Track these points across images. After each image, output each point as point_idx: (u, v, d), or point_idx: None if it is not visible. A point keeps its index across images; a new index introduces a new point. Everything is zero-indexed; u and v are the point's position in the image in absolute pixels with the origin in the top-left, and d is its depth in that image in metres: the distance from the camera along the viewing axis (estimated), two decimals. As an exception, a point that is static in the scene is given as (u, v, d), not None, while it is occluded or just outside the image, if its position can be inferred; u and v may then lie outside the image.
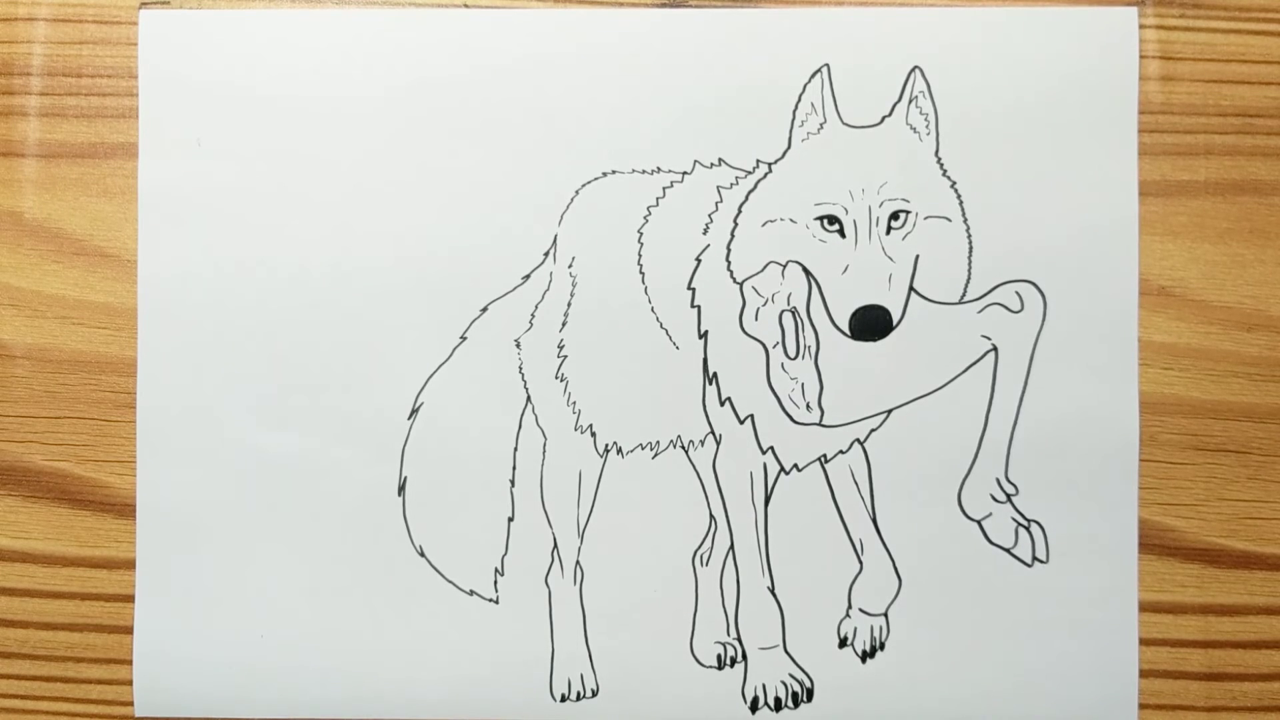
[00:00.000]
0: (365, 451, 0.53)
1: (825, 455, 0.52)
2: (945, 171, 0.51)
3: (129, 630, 0.53)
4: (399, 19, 0.52)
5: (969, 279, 0.51)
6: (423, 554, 0.53)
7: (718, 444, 0.52)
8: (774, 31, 0.52)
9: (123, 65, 0.53)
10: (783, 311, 0.51)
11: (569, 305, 0.52)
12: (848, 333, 0.50)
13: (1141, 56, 0.52)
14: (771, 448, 0.52)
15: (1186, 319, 0.52)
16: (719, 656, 0.53)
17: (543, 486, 0.53)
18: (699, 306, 0.52)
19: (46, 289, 0.53)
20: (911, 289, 0.51)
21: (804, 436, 0.52)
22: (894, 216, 0.50)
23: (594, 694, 0.53)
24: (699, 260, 0.51)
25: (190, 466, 0.53)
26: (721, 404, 0.52)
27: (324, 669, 0.53)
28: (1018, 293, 0.51)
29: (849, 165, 0.51)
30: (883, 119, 0.51)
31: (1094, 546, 0.52)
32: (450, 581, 0.53)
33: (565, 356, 0.52)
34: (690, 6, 0.52)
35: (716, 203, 0.51)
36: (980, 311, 0.51)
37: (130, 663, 0.53)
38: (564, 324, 0.52)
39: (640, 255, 0.52)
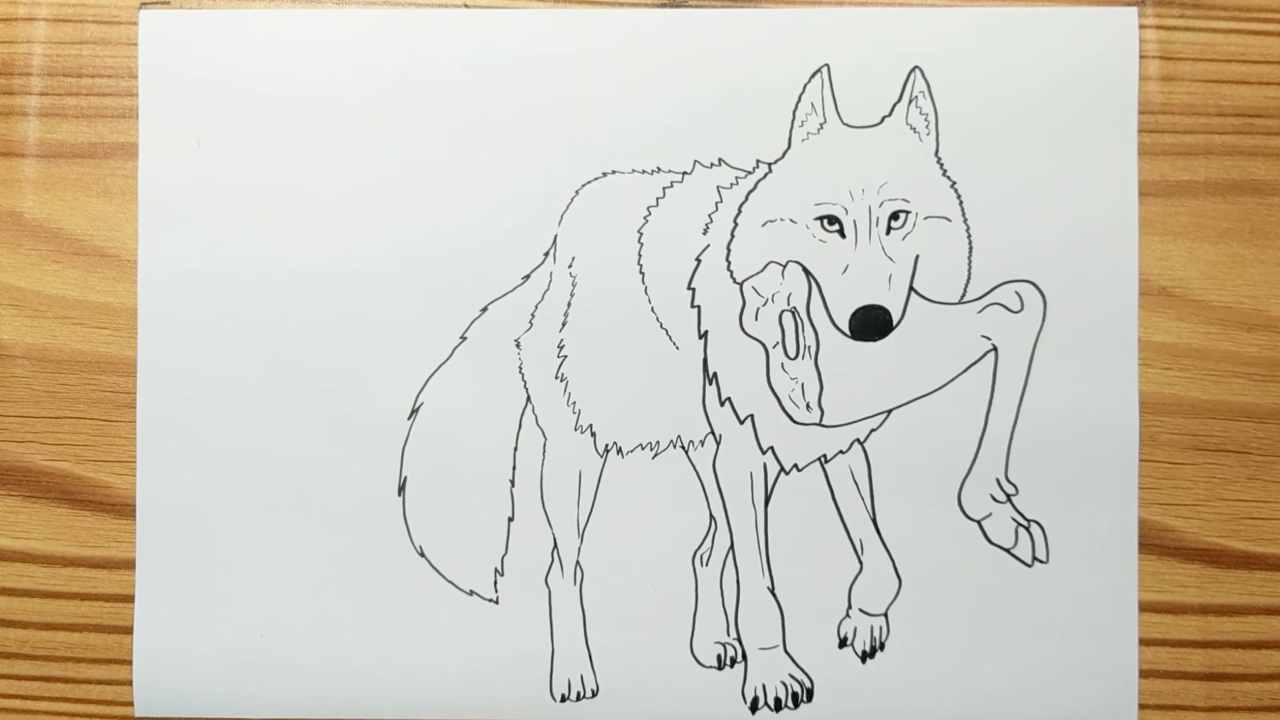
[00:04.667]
0: (365, 451, 0.53)
1: (825, 455, 0.52)
2: (945, 171, 0.51)
3: (129, 630, 0.53)
4: (399, 19, 0.52)
5: (969, 279, 0.51)
6: (423, 554, 0.53)
7: (718, 444, 0.52)
8: (774, 31, 0.52)
9: (123, 65, 0.53)
10: (783, 311, 0.51)
11: (569, 305, 0.52)
12: (848, 333, 0.50)
13: (1141, 56, 0.52)
14: (771, 448, 0.52)
15: (1186, 319, 0.52)
16: (719, 656, 0.53)
17: (543, 486, 0.53)
18: (699, 306, 0.52)
19: (46, 289, 0.53)
20: (911, 289, 0.51)
21: (804, 436, 0.52)
22: (894, 216, 0.50)
23: (594, 694, 0.53)
24: (699, 260, 0.51)
25: (190, 466, 0.53)
26: (721, 404, 0.52)
27: (324, 669, 0.53)
28: (1018, 293, 0.51)
29: (849, 165, 0.51)
30: (883, 119, 0.51)
31: (1094, 546, 0.52)
32: (450, 581, 0.53)
33: (565, 356, 0.52)
34: (690, 6, 0.52)
35: (716, 203, 0.51)
36: (980, 311, 0.51)
37: (130, 663, 0.53)
38: (564, 324, 0.52)
39: (640, 255, 0.52)
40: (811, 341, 0.51)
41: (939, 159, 0.51)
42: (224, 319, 0.53)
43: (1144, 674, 0.52)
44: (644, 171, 0.52)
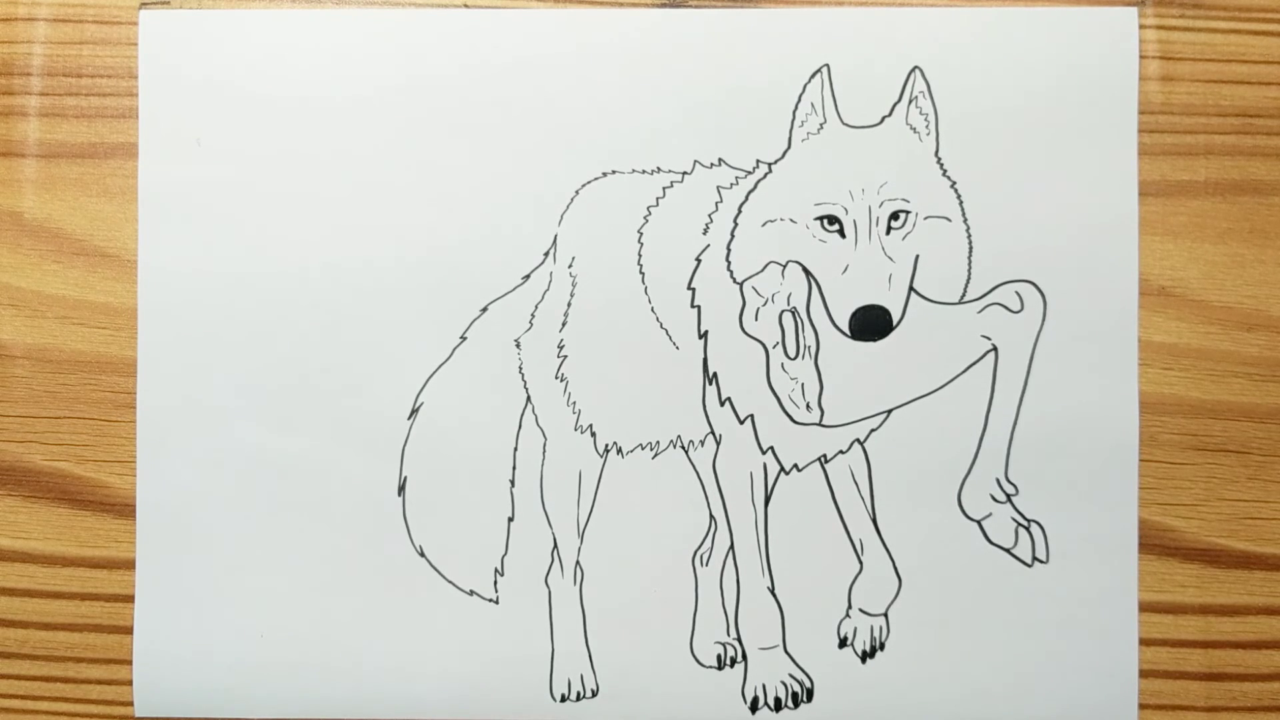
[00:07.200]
0: (365, 451, 0.53)
1: (825, 455, 0.52)
2: (945, 171, 0.51)
3: (129, 630, 0.53)
4: (399, 19, 0.52)
5: (969, 279, 0.51)
6: (423, 554, 0.53)
7: (718, 444, 0.52)
8: (774, 31, 0.52)
9: (123, 65, 0.53)
10: (783, 311, 0.51)
11: (569, 305, 0.52)
12: (848, 333, 0.50)
13: (1141, 56, 0.52)
14: (771, 448, 0.52)
15: (1186, 319, 0.52)
16: (719, 656, 0.53)
17: (543, 486, 0.53)
18: (699, 306, 0.52)
19: (46, 289, 0.53)
20: (911, 289, 0.51)
21: (804, 436, 0.52)
22: (894, 216, 0.50)
23: (594, 694, 0.53)
24: (699, 260, 0.51)
25: (190, 466, 0.53)
26: (721, 404, 0.52)
27: (324, 669, 0.53)
28: (1018, 293, 0.51)
29: (849, 165, 0.51)
30: (883, 119, 0.51)
31: (1094, 546, 0.52)
32: (450, 581, 0.53)
33: (565, 356, 0.52)
34: (690, 6, 0.52)
35: (716, 203, 0.51)
36: (980, 311, 0.51)
37: (130, 663, 0.53)
38: (564, 324, 0.52)
39: (640, 255, 0.52)
40: (811, 341, 0.51)
41: (939, 159, 0.51)
42: (224, 319, 0.53)
43: (1144, 674, 0.52)
44: (644, 171, 0.52)
